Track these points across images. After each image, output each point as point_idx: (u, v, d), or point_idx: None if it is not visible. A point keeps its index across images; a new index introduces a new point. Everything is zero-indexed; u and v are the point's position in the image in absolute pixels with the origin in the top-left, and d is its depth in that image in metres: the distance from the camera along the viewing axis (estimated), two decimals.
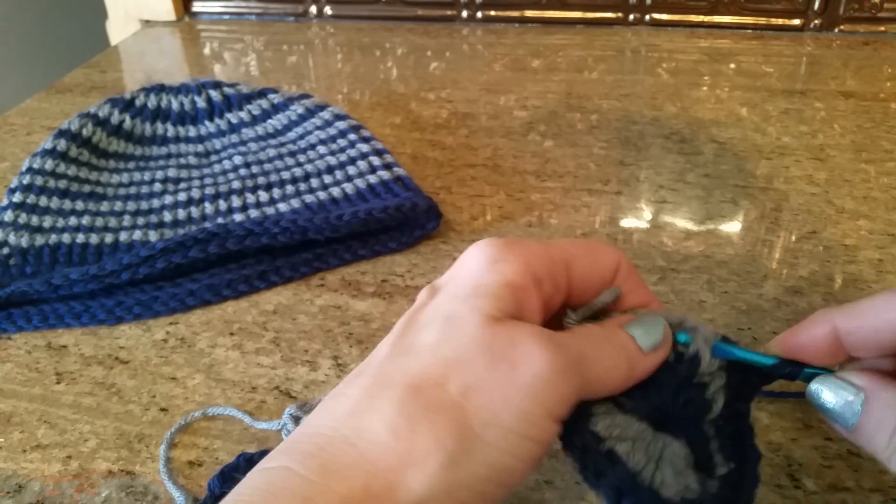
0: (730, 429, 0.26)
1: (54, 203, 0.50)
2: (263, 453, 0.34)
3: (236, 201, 0.50)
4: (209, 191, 0.51)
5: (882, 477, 0.32)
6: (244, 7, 0.92)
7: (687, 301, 0.43)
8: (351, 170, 0.52)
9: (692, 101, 0.67)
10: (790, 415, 0.35)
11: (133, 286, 0.45)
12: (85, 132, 0.55)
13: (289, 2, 0.91)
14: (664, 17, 0.83)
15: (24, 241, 0.47)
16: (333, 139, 0.55)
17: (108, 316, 0.43)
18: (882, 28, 0.79)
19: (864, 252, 0.46)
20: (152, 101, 0.59)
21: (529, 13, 0.86)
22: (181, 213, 0.50)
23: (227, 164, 0.55)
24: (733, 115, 0.64)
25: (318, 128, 0.57)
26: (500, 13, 0.87)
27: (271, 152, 0.55)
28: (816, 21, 0.80)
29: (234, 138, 0.58)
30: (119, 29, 0.93)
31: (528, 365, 0.23)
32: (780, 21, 0.81)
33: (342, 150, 0.54)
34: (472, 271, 0.26)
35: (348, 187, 0.51)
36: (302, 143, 0.56)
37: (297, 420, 0.35)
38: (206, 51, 0.86)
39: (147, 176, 0.54)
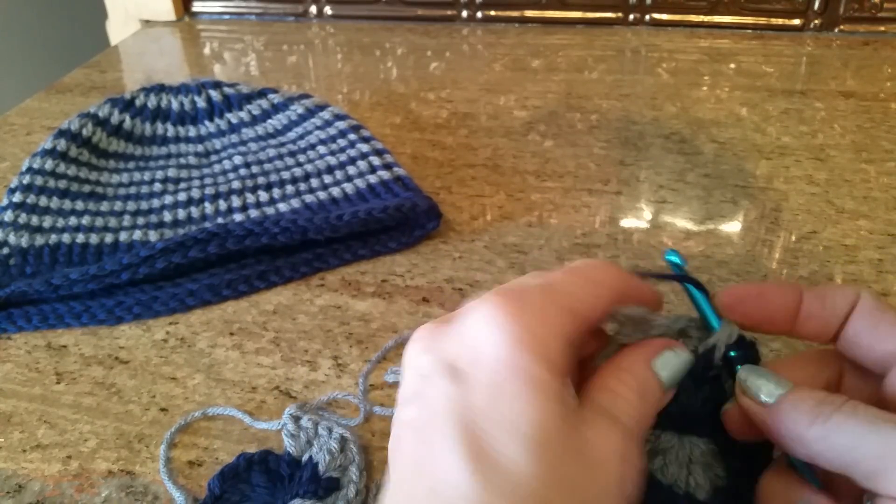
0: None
1: (54, 203, 0.50)
2: (263, 453, 0.34)
3: (236, 201, 0.50)
4: (209, 191, 0.51)
5: None
6: (244, 7, 0.92)
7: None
8: (351, 170, 0.52)
9: (692, 101, 0.67)
10: None
11: (133, 286, 0.45)
12: (85, 132, 0.55)
13: (289, 2, 0.91)
14: (664, 17, 0.83)
15: (24, 241, 0.47)
16: (333, 139, 0.55)
17: (108, 316, 0.43)
18: (882, 28, 0.79)
19: (864, 252, 0.46)
20: (152, 101, 0.59)
21: (529, 13, 0.86)
22: (181, 213, 0.50)
23: (227, 164, 0.55)
24: (733, 115, 0.64)
25: (318, 128, 0.57)
26: (500, 13, 0.87)
27: (271, 152, 0.55)
28: (816, 21, 0.80)
29: (234, 138, 0.58)
30: (119, 29, 0.93)
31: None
32: (780, 21, 0.81)
33: (342, 150, 0.54)
34: (505, 360, 0.22)
35: (348, 187, 0.51)
36: (302, 143, 0.56)
37: (296, 420, 0.35)
38: (206, 51, 0.86)
39: (147, 176, 0.54)
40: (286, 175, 0.52)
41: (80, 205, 0.50)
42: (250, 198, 0.50)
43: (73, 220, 0.49)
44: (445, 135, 0.63)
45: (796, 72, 0.73)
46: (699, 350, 0.27)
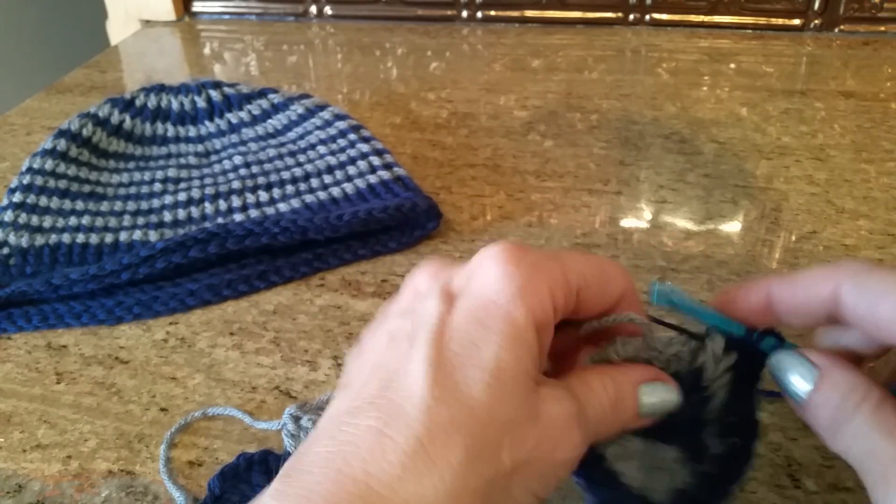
0: (729, 412, 0.26)
1: (54, 203, 0.50)
2: (264, 453, 0.34)
3: (236, 201, 0.50)
4: (209, 191, 0.51)
5: None
6: (244, 7, 0.92)
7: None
8: (351, 170, 0.52)
9: (692, 101, 0.67)
10: (790, 415, 0.35)
11: (133, 286, 0.45)
12: (85, 132, 0.55)
13: (289, 2, 0.91)
14: (664, 17, 0.83)
15: (24, 241, 0.47)
16: (333, 139, 0.55)
17: (108, 316, 0.43)
18: (882, 28, 0.79)
19: (865, 252, 0.46)
20: (152, 101, 0.59)
21: (529, 13, 0.86)
22: (181, 213, 0.50)
23: (227, 164, 0.55)
24: (733, 115, 0.64)
25: (318, 128, 0.57)
26: (500, 13, 0.87)
27: (271, 152, 0.55)
28: (816, 21, 0.80)
29: (234, 138, 0.58)
30: (119, 29, 0.93)
31: (565, 450, 0.24)
32: (780, 21, 0.81)
33: (342, 149, 0.54)
34: (496, 297, 0.24)
35: (348, 187, 0.51)
36: (302, 143, 0.56)
37: (297, 420, 0.35)
38: (206, 51, 0.86)
39: (147, 176, 0.54)
40: (286, 175, 0.52)
41: (80, 205, 0.50)
42: (250, 198, 0.50)
43: (73, 220, 0.49)
44: (445, 135, 0.63)
45: (796, 72, 0.73)
46: (687, 369, 0.26)
